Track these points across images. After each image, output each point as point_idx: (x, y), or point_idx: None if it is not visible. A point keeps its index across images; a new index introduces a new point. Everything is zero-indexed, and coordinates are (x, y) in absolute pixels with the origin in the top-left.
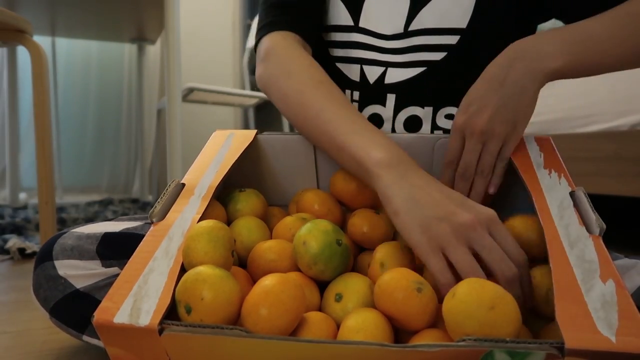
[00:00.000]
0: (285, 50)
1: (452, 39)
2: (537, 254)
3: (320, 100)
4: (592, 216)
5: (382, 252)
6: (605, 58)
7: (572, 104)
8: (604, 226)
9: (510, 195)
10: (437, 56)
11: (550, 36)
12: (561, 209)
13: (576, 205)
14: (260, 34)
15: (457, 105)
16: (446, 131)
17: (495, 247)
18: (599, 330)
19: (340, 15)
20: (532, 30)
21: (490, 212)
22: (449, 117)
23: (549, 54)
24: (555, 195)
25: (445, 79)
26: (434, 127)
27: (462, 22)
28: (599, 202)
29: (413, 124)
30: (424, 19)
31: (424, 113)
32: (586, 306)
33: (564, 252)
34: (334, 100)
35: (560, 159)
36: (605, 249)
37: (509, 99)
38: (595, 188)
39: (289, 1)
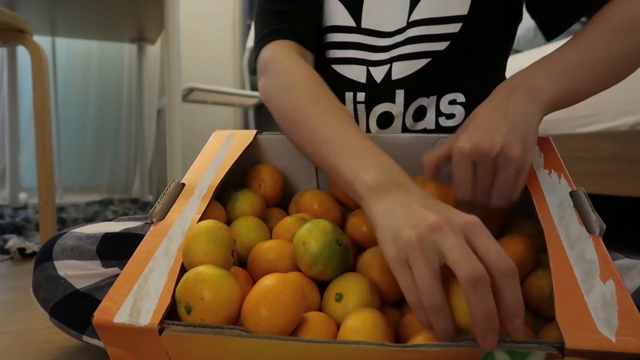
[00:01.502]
0: (283, 62)
1: (455, 27)
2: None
3: (314, 118)
4: (592, 216)
5: (371, 253)
6: (591, 82)
7: None
8: (604, 226)
9: None
10: (441, 46)
11: (537, 70)
12: (561, 209)
13: (576, 205)
14: (260, 44)
15: (459, 91)
16: (449, 116)
17: (461, 245)
18: (599, 330)
19: (338, 15)
20: (520, 18)
21: (470, 217)
22: (452, 102)
23: (542, 88)
24: (555, 195)
25: (449, 68)
26: (438, 113)
27: (464, 9)
28: (599, 202)
29: (419, 114)
30: (424, 9)
31: (428, 102)
32: (586, 306)
33: (564, 252)
34: (328, 116)
35: (560, 159)
36: (605, 249)
37: (517, 123)
38: (595, 188)
39: (286, 9)
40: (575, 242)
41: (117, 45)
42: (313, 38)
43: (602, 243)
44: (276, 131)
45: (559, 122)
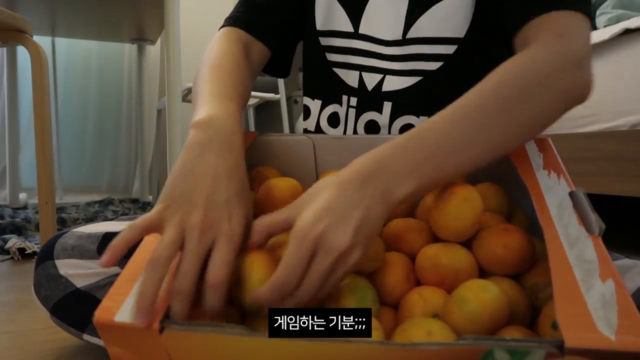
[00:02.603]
0: (214, 42)
1: (449, 49)
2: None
3: (205, 77)
4: (592, 216)
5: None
6: (461, 166)
7: None
8: (604, 226)
9: (509, 195)
10: (433, 66)
11: (397, 160)
12: (561, 209)
13: (575, 205)
14: (222, 25)
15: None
16: None
17: (194, 254)
18: (599, 330)
19: (340, 20)
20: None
21: (228, 228)
22: None
23: (397, 183)
24: (555, 196)
25: (440, 89)
26: None
27: (460, 32)
28: (599, 202)
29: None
30: (421, 27)
31: (418, 122)
32: (586, 306)
33: (563, 252)
34: (213, 77)
35: (559, 159)
36: (605, 248)
37: (368, 222)
38: (595, 188)
39: (255, 1)
40: (574, 242)
41: (117, 45)
42: (268, 31)
43: (602, 243)
44: (276, 132)
45: (559, 122)
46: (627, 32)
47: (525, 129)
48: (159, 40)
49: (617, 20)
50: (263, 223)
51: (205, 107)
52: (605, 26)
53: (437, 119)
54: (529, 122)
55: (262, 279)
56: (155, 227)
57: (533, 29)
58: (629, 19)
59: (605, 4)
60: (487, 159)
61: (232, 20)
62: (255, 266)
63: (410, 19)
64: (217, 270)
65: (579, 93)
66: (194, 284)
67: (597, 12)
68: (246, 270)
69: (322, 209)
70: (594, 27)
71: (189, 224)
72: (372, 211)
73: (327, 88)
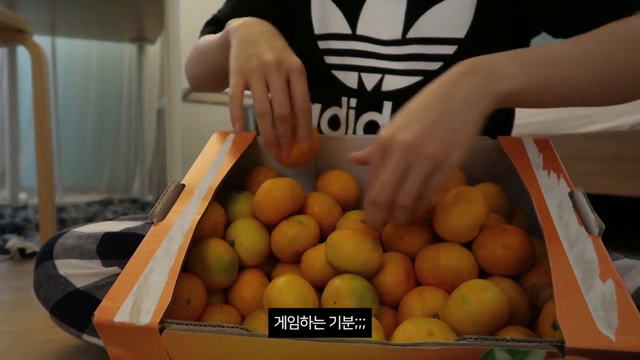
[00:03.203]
0: (201, 39)
1: (449, 49)
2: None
3: (206, 39)
4: (592, 216)
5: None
6: (568, 87)
7: None
8: (603, 226)
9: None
10: (434, 66)
11: (509, 56)
12: (560, 209)
13: (575, 205)
14: (202, 29)
15: None
16: None
17: (281, 88)
18: (599, 330)
19: (337, 22)
20: (527, 45)
21: (295, 61)
22: None
23: (504, 74)
24: (555, 196)
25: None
26: None
27: (461, 32)
28: (599, 202)
29: None
30: (422, 27)
31: None
32: (586, 306)
33: (563, 252)
34: (211, 39)
35: (559, 159)
36: (605, 248)
37: (449, 115)
38: (595, 188)
39: (224, 19)
40: (574, 242)
41: (117, 45)
42: None
43: (602, 243)
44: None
45: (559, 122)
46: None
47: (627, 76)
48: (159, 40)
49: None
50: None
51: (230, 23)
52: None
53: (553, 45)
54: (633, 72)
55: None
56: (245, 83)
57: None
58: None
59: None
60: (591, 93)
61: (212, 24)
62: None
63: (411, 18)
64: (302, 99)
65: None
66: (289, 109)
67: None
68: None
69: (398, 115)
70: None
71: (265, 63)
72: (462, 104)
73: (327, 91)
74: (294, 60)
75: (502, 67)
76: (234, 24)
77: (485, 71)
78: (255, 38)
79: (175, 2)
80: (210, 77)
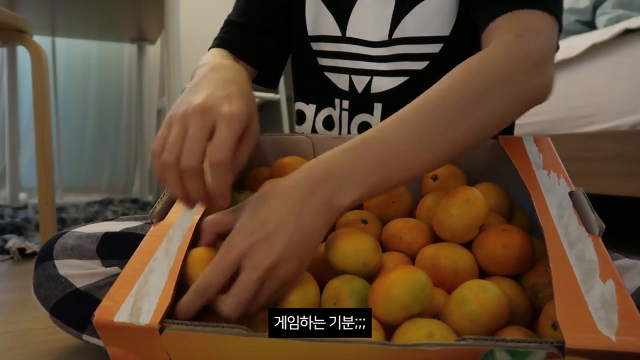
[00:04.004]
0: (207, 58)
1: (435, 48)
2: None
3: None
4: (592, 216)
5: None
6: (414, 170)
7: (572, 104)
8: (604, 226)
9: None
10: (420, 65)
11: (349, 163)
12: (560, 209)
13: (575, 205)
14: (210, 46)
15: None
16: None
17: (195, 137)
18: (599, 330)
19: (328, 25)
20: None
21: (226, 109)
22: None
23: (345, 191)
24: (555, 196)
25: (428, 89)
26: None
27: (445, 30)
28: (599, 202)
29: None
30: (406, 27)
31: None
32: (586, 306)
33: (563, 252)
34: (213, 66)
35: (559, 159)
36: (605, 248)
37: (302, 235)
38: (595, 188)
39: (238, 20)
40: (574, 242)
41: (117, 45)
42: (255, 54)
43: (602, 243)
44: (277, 132)
45: (559, 122)
46: (627, 32)
47: (480, 129)
48: (159, 40)
49: (617, 20)
50: (210, 223)
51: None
52: (605, 26)
53: (394, 120)
54: (485, 122)
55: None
56: (167, 127)
57: (495, 28)
58: (628, 19)
59: (605, 4)
60: (443, 160)
61: (218, 42)
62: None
63: (396, 19)
64: (217, 151)
65: (538, 94)
66: (200, 162)
67: (597, 12)
68: (188, 268)
69: (257, 221)
70: (594, 27)
71: (189, 110)
72: (312, 222)
73: (321, 92)
74: (225, 108)
75: (342, 184)
76: (199, 68)
77: (328, 189)
78: (202, 85)
79: (175, 2)
80: None
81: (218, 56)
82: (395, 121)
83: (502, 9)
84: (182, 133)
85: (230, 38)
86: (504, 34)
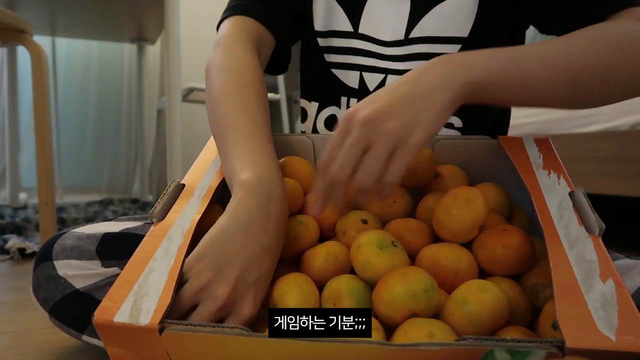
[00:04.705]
0: (232, 44)
1: (453, 49)
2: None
3: (232, 103)
4: (592, 216)
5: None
6: (536, 84)
7: None
8: (604, 226)
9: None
10: None
11: (482, 50)
12: (561, 209)
13: (575, 205)
14: (225, 14)
15: (456, 115)
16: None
17: (204, 318)
18: (599, 330)
19: (339, 20)
20: (522, 38)
21: (252, 310)
22: (449, 126)
23: (473, 65)
24: (555, 196)
25: None
26: None
27: (464, 31)
28: (599, 202)
29: None
30: (425, 27)
31: None
32: (586, 306)
33: (563, 252)
34: (243, 107)
35: (559, 159)
36: (605, 248)
37: (414, 96)
38: (595, 188)
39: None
40: (575, 242)
41: (117, 45)
42: (279, 24)
43: (602, 243)
44: (276, 132)
45: (559, 122)
46: None
47: (605, 77)
48: (159, 40)
49: None
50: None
51: (248, 160)
52: None
53: (530, 45)
54: (612, 72)
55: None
56: (186, 276)
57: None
58: None
59: None
60: (566, 92)
61: (241, 9)
62: None
63: (414, 18)
64: None
65: None
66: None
67: None
68: None
69: (379, 93)
70: None
71: (212, 295)
72: (428, 85)
73: (325, 90)
74: (246, 310)
75: (473, 59)
76: (244, 185)
77: (457, 61)
78: (238, 247)
79: (175, 2)
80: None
81: (242, 57)
82: (537, 43)
83: (596, 14)
84: (189, 307)
85: (258, 6)
86: (626, 16)
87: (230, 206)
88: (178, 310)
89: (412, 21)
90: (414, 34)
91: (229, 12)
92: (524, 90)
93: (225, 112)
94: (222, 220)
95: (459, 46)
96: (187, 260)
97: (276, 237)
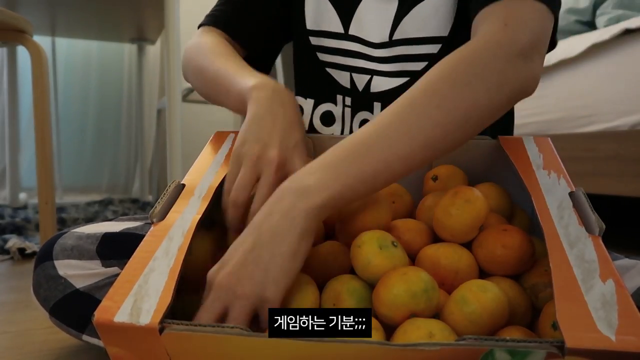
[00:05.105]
0: (204, 39)
1: (433, 48)
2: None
3: (216, 61)
4: (592, 216)
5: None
6: (388, 168)
7: (572, 104)
8: (604, 226)
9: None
10: (419, 66)
11: (314, 166)
12: (560, 209)
13: (575, 205)
14: (201, 23)
15: None
16: None
17: (265, 185)
18: (599, 330)
19: (331, 21)
20: None
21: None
22: None
23: (312, 189)
24: (555, 196)
25: None
26: None
27: (444, 31)
28: (599, 202)
29: None
30: (406, 28)
31: None
32: (586, 306)
33: (563, 252)
34: (227, 60)
35: (559, 159)
36: (605, 248)
37: (260, 248)
38: (595, 188)
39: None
40: (574, 242)
41: (117, 45)
42: (246, 32)
43: (602, 243)
44: None
45: (559, 122)
46: (627, 32)
47: (464, 120)
48: (159, 40)
49: (617, 20)
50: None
51: (249, 76)
52: (605, 26)
53: (371, 122)
54: (464, 115)
55: None
56: (235, 160)
57: (483, 18)
58: (629, 19)
59: (605, 4)
60: (422, 154)
61: (211, 19)
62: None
63: (396, 20)
64: None
65: (524, 85)
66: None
67: (597, 12)
68: None
69: (232, 249)
70: (594, 27)
71: (266, 159)
72: (281, 235)
73: (320, 87)
74: (297, 166)
75: (309, 181)
76: (254, 87)
77: (292, 192)
78: (268, 124)
79: (175, 2)
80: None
81: (214, 40)
82: (371, 122)
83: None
84: (252, 179)
85: (224, 17)
86: (491, 23)
87: (250, 104)
88: (245, 187)
89: (395, 23)
90: (396, 35)
91: (203, 21)
92: (376, 181)
93: (212, 60)
94: (250, 113)
95: (439, 46)
96: (236, 142)
97: (296, 114)
